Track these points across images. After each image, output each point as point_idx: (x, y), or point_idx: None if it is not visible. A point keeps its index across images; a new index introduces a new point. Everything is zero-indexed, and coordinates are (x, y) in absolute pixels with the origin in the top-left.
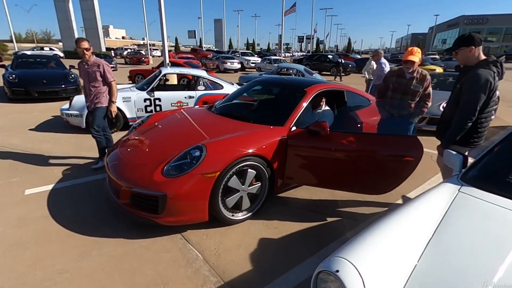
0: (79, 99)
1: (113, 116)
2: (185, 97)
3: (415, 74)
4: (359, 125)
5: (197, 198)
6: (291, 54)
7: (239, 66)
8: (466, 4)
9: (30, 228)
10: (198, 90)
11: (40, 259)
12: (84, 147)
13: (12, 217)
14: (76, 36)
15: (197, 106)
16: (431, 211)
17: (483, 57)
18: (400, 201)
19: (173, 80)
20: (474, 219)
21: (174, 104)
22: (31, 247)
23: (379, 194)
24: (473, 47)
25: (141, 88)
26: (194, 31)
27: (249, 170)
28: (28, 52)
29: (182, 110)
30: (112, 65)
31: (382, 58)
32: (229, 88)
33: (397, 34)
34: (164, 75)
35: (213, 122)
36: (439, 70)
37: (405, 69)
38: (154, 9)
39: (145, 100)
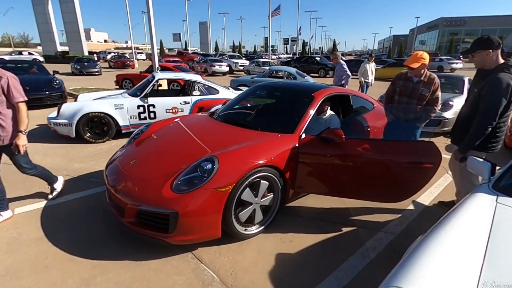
0: (68, 107)
1: (21, 152)
2: (180, 103)
3: (422, 78)
4: (365, 130)
5: (210, 214)
6: (277, 57)
7: (227, 69)
8: (446, 6)
9: (23, 253)
10: (193, 95)
11: None
12: (75, 158)
13: (1, 241)
14: (57, 40)
15: (200, 113)
16: (474, 227)
17: (501, 60)
18: (411, 207)
19: (164, 85)
20: None
21: (169, 110)
22: (27, 275)
23: (395, 202)
24: (491, 50)
25: (134, 94)
26: (179, 33)
27: (262, 181)
28: (6, 57)
29: (183, 118)
30: (96, 69)
31: (341, 60)
32: (224, 93)
33: (379, 36)
34: (158, 80)
35: (219, 130)
36: None
37: (409, 73)
38: (137, 11)
39: (138, 106)
